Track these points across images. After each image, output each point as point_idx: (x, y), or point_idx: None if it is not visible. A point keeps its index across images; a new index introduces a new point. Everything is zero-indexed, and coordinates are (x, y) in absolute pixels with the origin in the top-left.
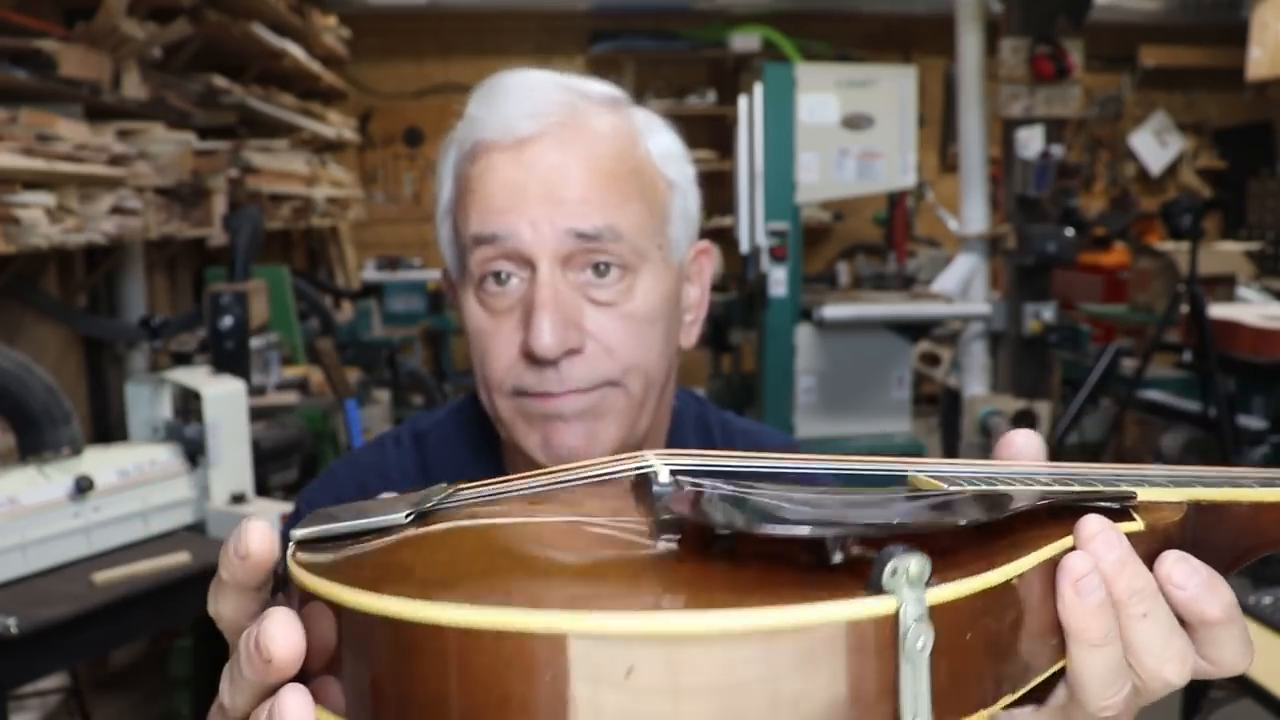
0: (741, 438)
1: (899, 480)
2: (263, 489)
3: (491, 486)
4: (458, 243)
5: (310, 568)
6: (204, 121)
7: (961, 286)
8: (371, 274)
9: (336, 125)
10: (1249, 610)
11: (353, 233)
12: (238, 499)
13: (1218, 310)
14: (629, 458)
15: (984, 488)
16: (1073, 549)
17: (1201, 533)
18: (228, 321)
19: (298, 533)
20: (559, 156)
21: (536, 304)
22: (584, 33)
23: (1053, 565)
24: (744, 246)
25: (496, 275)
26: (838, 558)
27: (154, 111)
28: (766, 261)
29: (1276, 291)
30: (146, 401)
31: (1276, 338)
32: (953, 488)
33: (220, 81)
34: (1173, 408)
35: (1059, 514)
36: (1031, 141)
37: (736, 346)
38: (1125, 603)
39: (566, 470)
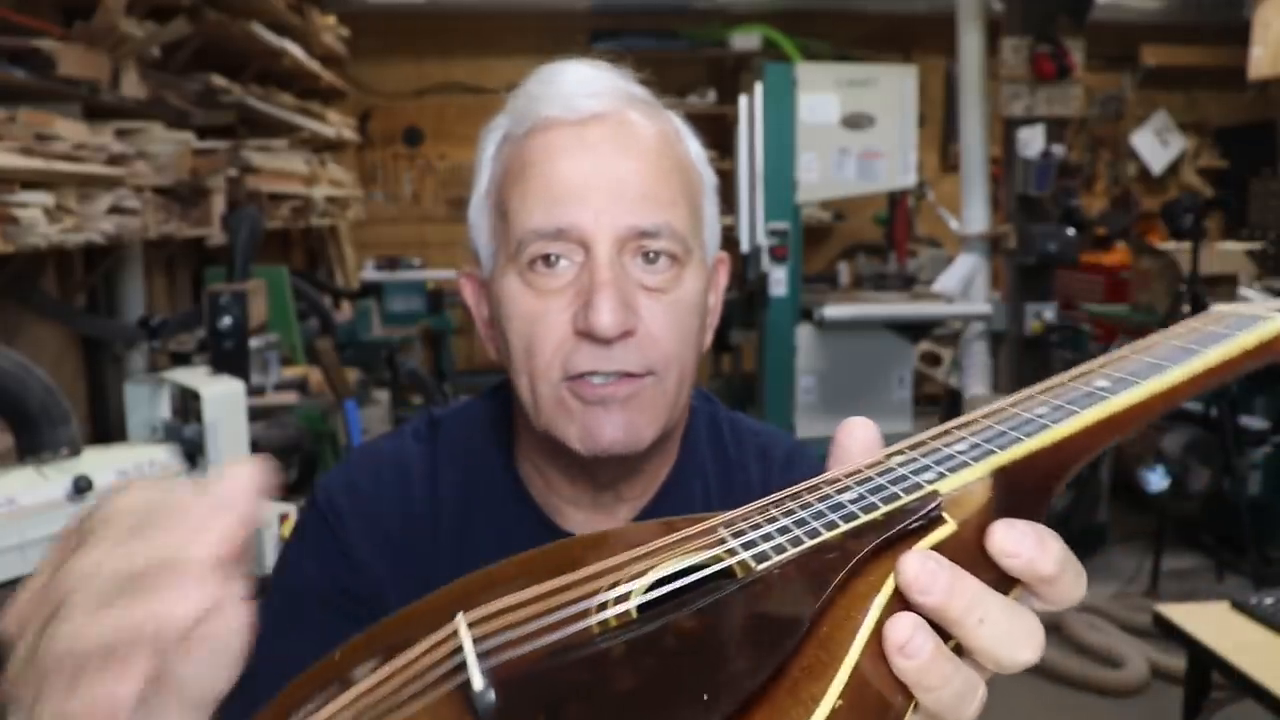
0: (750, 438)
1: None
2: None
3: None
4: (502, 226)
5: None
6: (203, 121)
7: (962, 286)
8: (371, 274)
9: (336, 125)
10: (1249, 610)
11: (352, 232)
12: None
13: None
14: (446, 636)
15: (774, 559)
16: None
17: (1010, 489)
18: (227, 321)
19: None
20: (618, 149)
21: (597, 284)
22: (584, 32)
23: (880, 634)
24: (744, 246)
25: (546, 258)
26: None
27: (153, 111)
28: (767, 261)
29: (1278, 291)
30: (145, 401)
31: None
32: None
33: (219, 81)
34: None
35: (873, 543)
36: (1033, 141)
37: (737, 346)
38: (961, 620)
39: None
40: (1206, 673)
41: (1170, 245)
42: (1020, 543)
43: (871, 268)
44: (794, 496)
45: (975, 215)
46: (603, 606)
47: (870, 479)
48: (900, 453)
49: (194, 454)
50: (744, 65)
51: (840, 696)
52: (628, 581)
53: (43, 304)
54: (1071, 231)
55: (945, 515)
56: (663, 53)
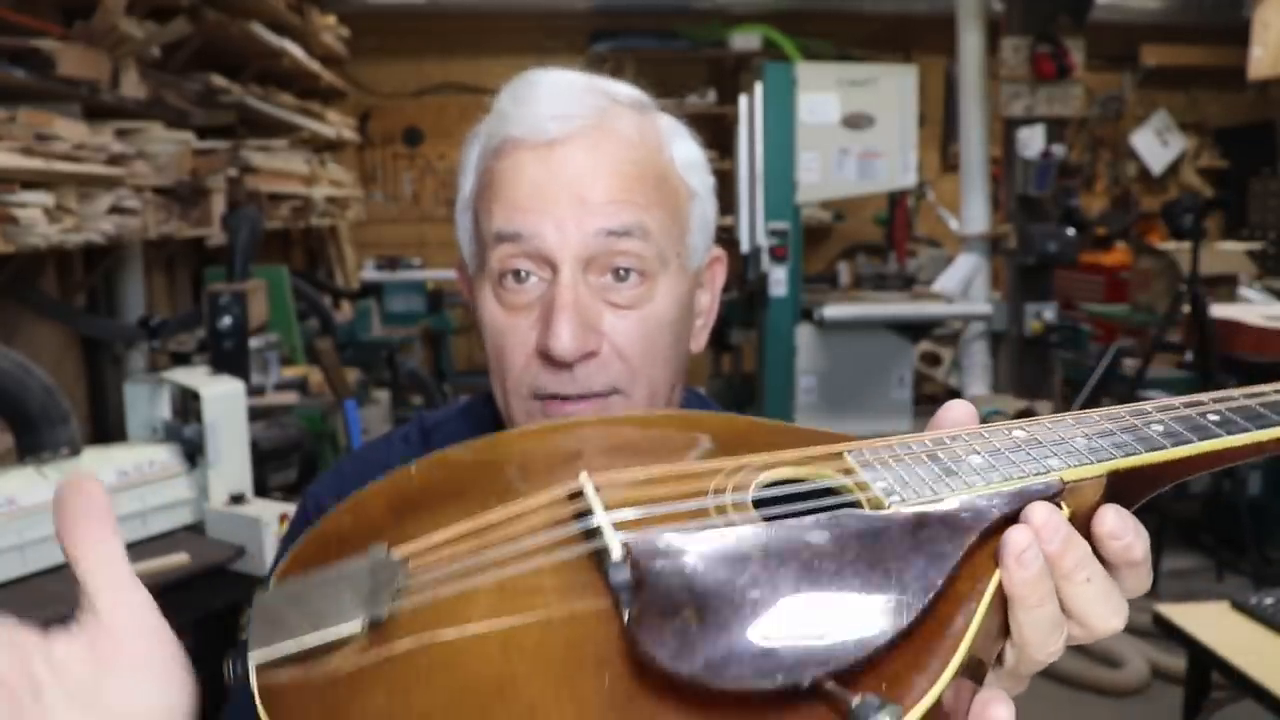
0: None
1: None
2: (262, 489)
3: (442, 551)
4: (478, 237)
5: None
6: (203, 121)
7: (962, 286)
8: (371, 274)
9: (335, 125)
10: (1249, 610)
11: (352, 232)
12: (237, 499)
13: (1219, 310)
14: (568, 494)
15: (930, 507)
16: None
17: (1114, 489)
18: (227, 321)
19: (257, 655)
20: (587, 159)
21: (557, 305)
22: (584, 32)
23: (993, 605)
24: (744, 246)
25: (516, 273)
26: (808, 683)
27: (152, 111)
28: (767, 261)
29: (1278, 291)
30: (145, 401)
31: (1278, 338)
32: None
33: (219, 81)
34: None
35: (1003, 513)
36: (1033, 141)
37: (737, 346)
38: (1072, 574)
39: (506, 511)
40: (1206, 673)
41: (1170, 245)
42: (1125, 527)
43: (871, 268)
44: (920, 443)
45: (975, 215)
46: (721, 499)
47: (998, 450)
48: (1021, 429)
49: (194, 454)
50: (744, 65)
51: (960, 667)
52: (749, 474)
53: (43, 304)
54: (1071, 231)
55: (1063, 503)
56: (663, 53)
